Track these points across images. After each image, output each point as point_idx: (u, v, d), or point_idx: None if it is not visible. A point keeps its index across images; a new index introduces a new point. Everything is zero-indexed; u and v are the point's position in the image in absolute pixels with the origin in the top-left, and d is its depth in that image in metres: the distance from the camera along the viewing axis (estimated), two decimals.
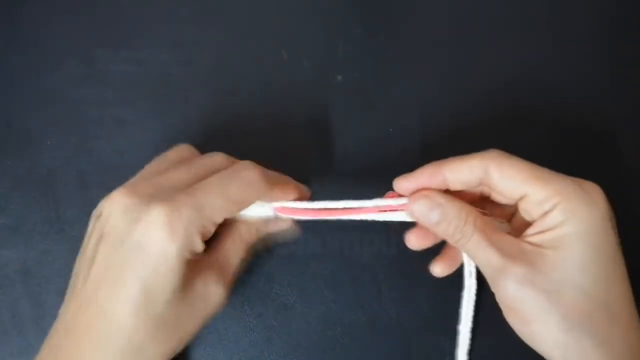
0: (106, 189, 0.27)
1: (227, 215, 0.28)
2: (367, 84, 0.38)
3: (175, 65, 0.37)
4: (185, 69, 0.37)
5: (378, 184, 0.36)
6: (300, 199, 0.31)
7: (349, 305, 0.35)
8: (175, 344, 0.27)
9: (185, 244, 0.26)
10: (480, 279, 0.34)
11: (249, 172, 0.28)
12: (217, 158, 0.31)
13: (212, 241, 0.29)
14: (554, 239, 0.26)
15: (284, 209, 0.30)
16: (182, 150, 0.32)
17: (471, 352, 0.34)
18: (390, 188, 0.36)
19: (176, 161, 0.31)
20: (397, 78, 0.38)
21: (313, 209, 0.30)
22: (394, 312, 0.35)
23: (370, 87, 0.38)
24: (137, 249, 0.26)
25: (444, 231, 0.28)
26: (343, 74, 0.38)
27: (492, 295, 0.29)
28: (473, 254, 0.28)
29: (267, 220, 0.32)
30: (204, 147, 0.36)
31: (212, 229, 0.28)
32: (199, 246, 0.27)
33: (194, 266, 0.27)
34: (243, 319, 0.34)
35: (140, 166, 0.36)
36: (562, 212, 0.26)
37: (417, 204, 0.28)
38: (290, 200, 0.31)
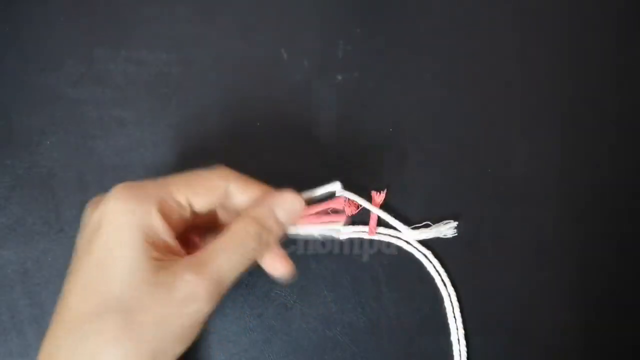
0: (105, 189, 0.27)
1: (195, 199, 0.27)
2: (367, 84, 0.38)
3: (175, 65, 0.37)
4: (185, 68, 0.37)
5: (377, 184, 0.36)
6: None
7: (349, 305, 0.35)
8: (136, 334, 0.24)
9: (135, 210, 0.25)
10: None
11: (219, 165, 0.29)
12: None
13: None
14: None
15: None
16: None
17: (468, 353, 0.34)
18: (389, 187, 0.36)
19: None
20: (397, 78, 0.38)
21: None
22: (394, 312, 0.35)
23: (370, 87, 0.38)
24: (96, 228, 0.25)
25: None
26: (343, 74, 0.38)
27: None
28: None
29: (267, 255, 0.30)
30: (203, 147, 0.36)
31: (174, 207, 0.27)
32: (157, 220, 0.25)
33: (165, 256, 0.25)
34: (243, 319, 0.34)
35: (140, 166, 0.36)
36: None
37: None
38: (270, 196, 0.29)
